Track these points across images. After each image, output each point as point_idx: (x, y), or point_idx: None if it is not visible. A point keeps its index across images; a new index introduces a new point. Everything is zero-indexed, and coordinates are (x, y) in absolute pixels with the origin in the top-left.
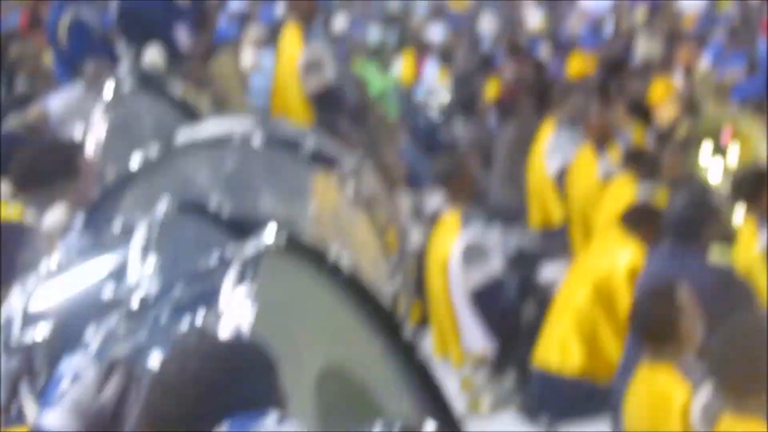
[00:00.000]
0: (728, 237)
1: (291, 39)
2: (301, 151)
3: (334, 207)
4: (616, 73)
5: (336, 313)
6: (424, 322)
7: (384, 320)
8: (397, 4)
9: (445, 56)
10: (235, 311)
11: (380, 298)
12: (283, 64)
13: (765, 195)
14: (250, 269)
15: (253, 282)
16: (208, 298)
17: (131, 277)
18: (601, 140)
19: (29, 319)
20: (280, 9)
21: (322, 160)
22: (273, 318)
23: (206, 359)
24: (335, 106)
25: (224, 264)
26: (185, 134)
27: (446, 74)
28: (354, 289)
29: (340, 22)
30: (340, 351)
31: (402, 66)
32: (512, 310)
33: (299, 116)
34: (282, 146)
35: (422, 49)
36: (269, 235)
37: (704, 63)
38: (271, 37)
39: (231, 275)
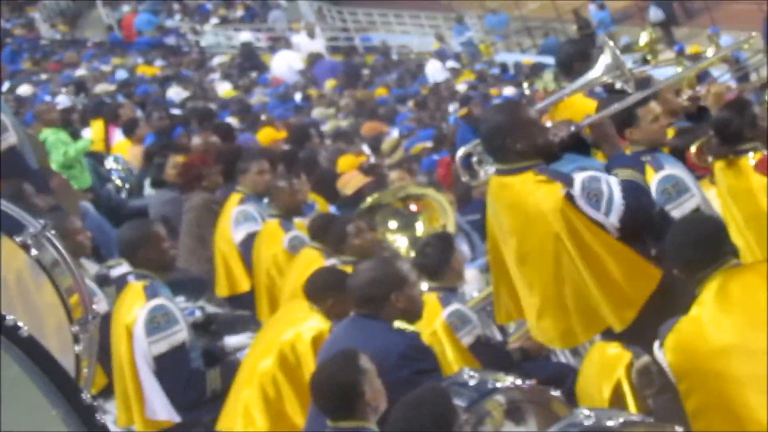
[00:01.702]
0: (414, 306)
1: None
2: None
3: (17, 271)
4: (304, 143)
5: (11, 378)
6: (109, 388)
7: (63, 386)
8: (86, 74)
9: (131, 125)
10: None
11: (60, 364)
12: None
13: (449, 263)
14: None
15: None
16: None
17: None
18: (288, 210)
19: None
20: None
21: (5, 224)
22: None
23: None
24: (18, 170)
25: None
26: None
27: (133, 143)
28: (32, 354)
29: (25, 89)
30: (15, 417)
31: (91, 134)
32: (197, 378)
33: None
34: None
35: (111, 118)
36: None
37: (392, 135)
38: None
39: None
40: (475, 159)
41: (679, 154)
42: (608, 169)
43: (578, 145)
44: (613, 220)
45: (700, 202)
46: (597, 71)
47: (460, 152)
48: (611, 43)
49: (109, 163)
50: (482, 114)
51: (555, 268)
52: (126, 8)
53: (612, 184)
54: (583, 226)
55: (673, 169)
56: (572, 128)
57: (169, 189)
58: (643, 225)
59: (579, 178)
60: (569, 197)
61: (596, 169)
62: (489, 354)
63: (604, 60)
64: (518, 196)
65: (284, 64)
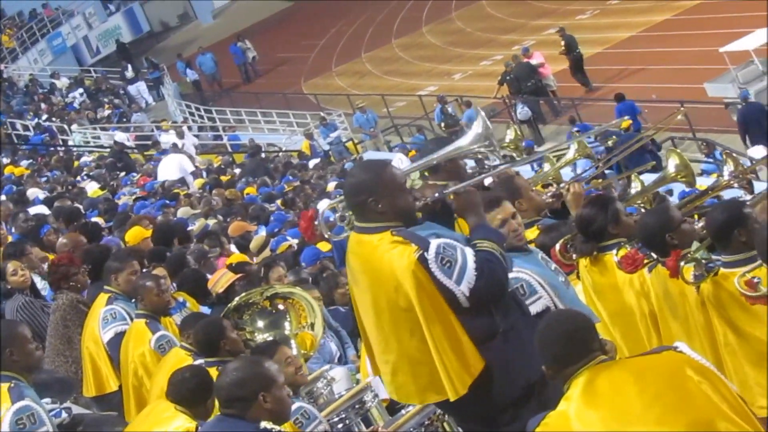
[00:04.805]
0: (282, 407)
1: None
2: None
3: None
4: (174, 242)
5: None
6: None
7: None
8: None
9: None
10: None
11: None
12: None
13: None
14: None
15: None
16: None
17: None
18: (155, 310)
19: None
20: None
21: None
22: None
23: None
24: None
25: None
26: None
27: None
28: None
29: None
30: None
31: None
32: None
33: None
34: None
35: None
36: None
37: (260, 234)
38: None
39: None
40: (337, 215)
41: (544, 251)
42: (469, 240)
43: (443, 213)
44: (464, 288)
45: (548, 304)
46: (466, 139)
47: (324, 206)
48: (483, 113)
49: None
50: (349, 170)
51: (408, 324)
52: None
53: (467, 254)
54: (430, 290)
55: (521, 271)
56: (437, 194)
57: (20, 294)
58: (493, 298)
59: (435, 242)
60: (422, 260)
61: (454, 239)
62: None
63: (476, 129)
64: (373, 254)
65: (170, 168)
